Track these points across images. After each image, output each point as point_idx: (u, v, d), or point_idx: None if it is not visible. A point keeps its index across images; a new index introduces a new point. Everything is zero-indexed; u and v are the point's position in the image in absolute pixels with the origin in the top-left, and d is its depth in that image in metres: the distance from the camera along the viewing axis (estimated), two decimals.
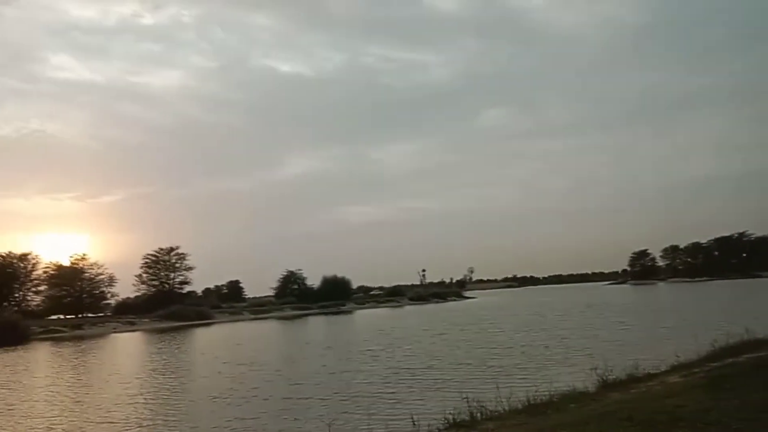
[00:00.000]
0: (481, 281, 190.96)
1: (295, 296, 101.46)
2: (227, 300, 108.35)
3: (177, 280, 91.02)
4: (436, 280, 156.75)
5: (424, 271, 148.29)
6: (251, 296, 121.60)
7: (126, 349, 43.54)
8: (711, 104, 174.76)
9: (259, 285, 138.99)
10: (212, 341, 45.94)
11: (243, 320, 75.76)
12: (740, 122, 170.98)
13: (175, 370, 26.16)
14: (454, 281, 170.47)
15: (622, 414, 6.88)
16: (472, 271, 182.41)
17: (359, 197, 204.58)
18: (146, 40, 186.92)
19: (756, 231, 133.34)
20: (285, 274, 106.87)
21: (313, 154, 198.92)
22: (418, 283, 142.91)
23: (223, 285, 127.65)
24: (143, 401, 17.57)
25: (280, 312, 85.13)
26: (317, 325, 58.57)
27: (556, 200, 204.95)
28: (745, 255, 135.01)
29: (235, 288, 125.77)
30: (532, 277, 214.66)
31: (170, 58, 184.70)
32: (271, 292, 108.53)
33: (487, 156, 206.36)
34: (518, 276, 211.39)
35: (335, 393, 16.43)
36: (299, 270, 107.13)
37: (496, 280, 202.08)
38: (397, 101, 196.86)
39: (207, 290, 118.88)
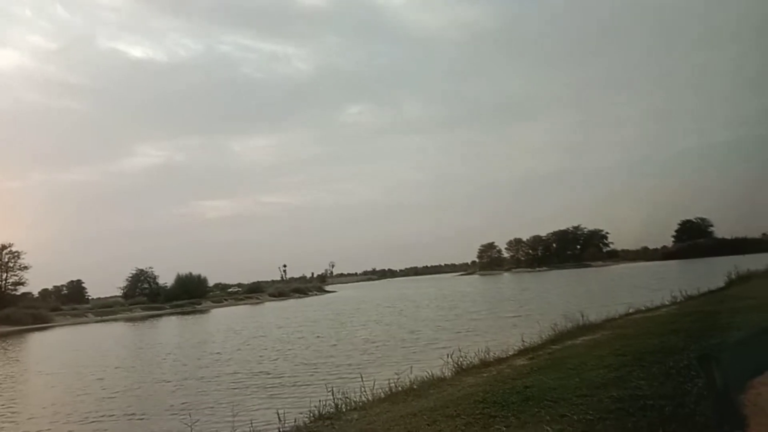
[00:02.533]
0: (341, 275, 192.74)
1: (146, 296, 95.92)
2: (68, 301, 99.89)
3: (10, 280, 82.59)
4: (297, 275, 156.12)
5: (285, 266, 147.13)
6: (96, 297, 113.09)
7: None
8: (549, 108, 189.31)
9: (105, 285, 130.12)
10: (48, 347, 42.16)
11: (87, 323, 70.29)
12: (576, 125, 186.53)
13: None
14: (315, 276, 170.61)
15: (477, 397, 7.26)
16: (333, 266, 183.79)
17: (217, 191, 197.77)
18: None
19: (588, 225, 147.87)
20: (134, 272, 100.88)
21: (167, 144, 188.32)
22: (279, 278, 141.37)
23: (63, 285, 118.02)
24: None
25: (129, 313, 79.97)
26: (169, 327, 55.71)
27: (413, 195, 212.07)
28: (578, 247, 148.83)
29: (76, 288, 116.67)
30: (390, 269, 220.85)
31: (3, 36, 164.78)
32: (119, 293, 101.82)
33: (348, 151, 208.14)
34: (377, 269, 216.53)
35: (188, 400, 15.70)
36: (150, 268, 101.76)
37: (356, 274, 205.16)
38: (258, 93, 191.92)
39: (45, 291, 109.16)
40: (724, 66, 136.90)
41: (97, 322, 70.87)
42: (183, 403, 15.47)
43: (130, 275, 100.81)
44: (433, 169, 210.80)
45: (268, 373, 19.09)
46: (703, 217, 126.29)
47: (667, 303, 19.69)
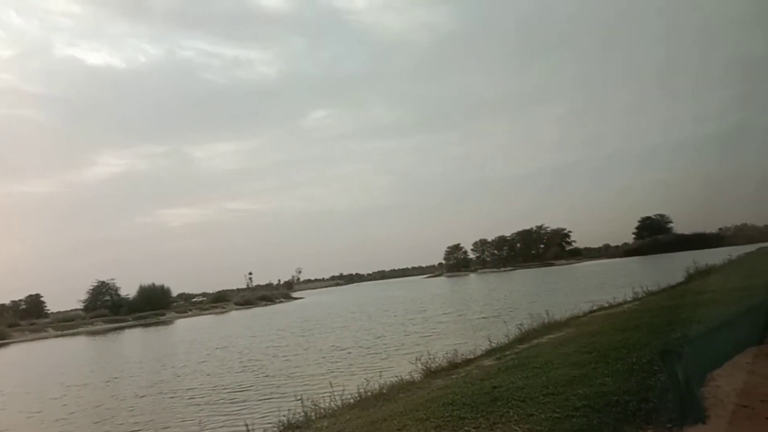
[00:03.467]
0: (309, 281, 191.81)
1: (108, 308, 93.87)
2: (27, 316, 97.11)
3: None
4: (264, 283, 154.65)
5: (251, 274, 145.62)
6: (56, 311, 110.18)
7: None
8: (509, 108, 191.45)
9: (66, 298, 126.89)
10: (4, 365, 40.91)
11: (47, 338, 68.38)
12: (538, 123, 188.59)
13: None
14: (282, 283, 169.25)
15: (446, 399, 7.27)
16: (300, 272, 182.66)
17: (180, 199, 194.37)
18: None
19: (551, 224, 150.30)
20: (95, 284, 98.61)
21: (128, 153, 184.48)
22: (245, 286, 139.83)
23: (21, 300, 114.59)
24: None
25: (90, 327, 78.05)
26: (131, 340, 54.49)
27: (379, 199, 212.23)
28: (542, 246, 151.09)
29: (35, 302, 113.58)
30: (357, 274, 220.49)
31: None
32: (80, 306, 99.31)
33: (314, 156, 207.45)
34: (345, 274, 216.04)
35: (153, 417, 15.27)
36: (112, 280, 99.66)
37: (323, 279, 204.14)
38: (221, 98, 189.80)
39: (2, 307, 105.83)
40: (683, 64, 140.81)
41: (57, 336, 69.01)
42: (148, 421, 15.06)
43: (91, 287, 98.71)
44: (399, 172, 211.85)
45: (235, 386, 18.56)
46: (662, 213, 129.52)
47: (629, 299, 20.11)
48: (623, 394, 5.76)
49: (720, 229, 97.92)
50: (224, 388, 18.33)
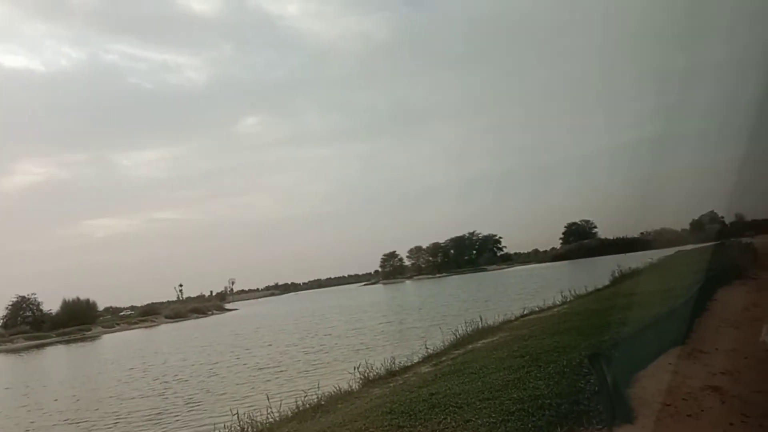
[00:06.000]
0: (243, 291, 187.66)
1: (29, 324, 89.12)
2: None
3: None
4: (195, 295, 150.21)
5: (181, 285, 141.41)
6: None
7: None
8: (445, 116, 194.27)
9: None
10: None
11: None
12: (469, 133, 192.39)
13: None
14: (214, 294, 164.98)
15: (384, 408, 7.28)
16: (233, 282, 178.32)
17: (105, 209, 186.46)
18: None
19: (483, 231, 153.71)
20: (14, 300, 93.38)
21: (49, 161, 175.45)
22: (176, 299, 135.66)
23: None
24: None
25: (9, 345, 73.69)
26: (53, 358, 51.67)
27: (313, 207, 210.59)
28: (475, 251, 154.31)
29: None
30: (293, 283, 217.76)
31: None
32: None
33: (246, 163, 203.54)
34: (280, 283, 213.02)
35: None
36: (33, 294, 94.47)
37: (258, 290, 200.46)
38: (148, 104, 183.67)
39: None
40: (602, 77, 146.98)
41: None
42: None
43: (10, 303, 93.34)
44: (333, 179, 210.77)
45: (167, 405, 17.75)
46: (587, 219, 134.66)
47: (558, 303, 20.78)
48: (555, 397, 5.93)
49: (641, 233, 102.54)
50: (155, 410, 17.45)
